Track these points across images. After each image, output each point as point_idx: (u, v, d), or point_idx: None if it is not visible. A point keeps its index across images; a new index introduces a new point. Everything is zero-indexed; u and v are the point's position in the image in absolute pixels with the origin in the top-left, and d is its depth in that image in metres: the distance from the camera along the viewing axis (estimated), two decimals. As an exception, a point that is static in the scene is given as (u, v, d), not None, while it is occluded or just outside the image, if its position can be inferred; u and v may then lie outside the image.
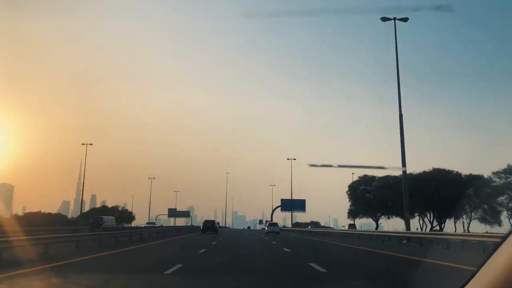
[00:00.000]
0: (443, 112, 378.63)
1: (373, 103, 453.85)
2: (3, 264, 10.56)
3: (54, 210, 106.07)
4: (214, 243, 23.26)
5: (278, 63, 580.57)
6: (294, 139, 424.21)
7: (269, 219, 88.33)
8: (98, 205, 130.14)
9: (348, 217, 66.23)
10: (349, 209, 65.12)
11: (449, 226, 53.41)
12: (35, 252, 12.66)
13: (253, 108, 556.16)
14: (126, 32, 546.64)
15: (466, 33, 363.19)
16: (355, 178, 65.94)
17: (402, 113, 29.41)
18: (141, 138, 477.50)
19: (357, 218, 66.77)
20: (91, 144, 64.24)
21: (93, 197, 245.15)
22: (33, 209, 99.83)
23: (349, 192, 65.24)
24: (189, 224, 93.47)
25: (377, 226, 62.86)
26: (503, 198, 48.53)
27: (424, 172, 53.25)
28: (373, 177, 62.76)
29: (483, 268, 1.39)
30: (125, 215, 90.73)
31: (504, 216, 48.68)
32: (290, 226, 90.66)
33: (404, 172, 29.97)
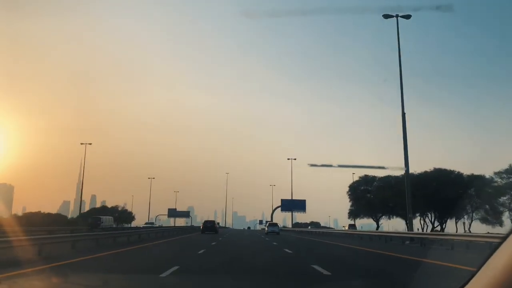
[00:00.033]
0: (444, 112, 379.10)
1: (373, 103, 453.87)
2: (2, 264, 10.39)
3: (54, 210, 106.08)
4: (213, 243, 23.04)
5: (278, 63, 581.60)
6: (294, 139, 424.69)
7: (269, 220, 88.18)
8: (98, 205, 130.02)
9: (349, 217, 66.05)
10: (349, 209, 64.93)
11: (450, 226, 53.24)
12: (30, 252, 12.50)
13: (253, 108, 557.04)
14: (126, 32, 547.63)
15: (467, 33, 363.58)
16: (356, 178, 65.81)
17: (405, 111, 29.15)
18: (141, 138, 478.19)
19: (358, 219, 66.61)
20: (90, 144, 64.24)
21: (93, 197, 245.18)
22: (33, 209, 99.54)
23: (349, 192, 65.03)
24: (189, 224, 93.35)
25: (378, 226, 62.62)
26: (504, 198, 48.22)
27: (425, 172, 52.97)
28: (373, 177, 62.54)
29: (483, 268, 1.39)
30: (125, 215, 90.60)
31: (506, 216, 48.37)
32: (290, 226, 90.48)
33: (407, 171, 29.65)
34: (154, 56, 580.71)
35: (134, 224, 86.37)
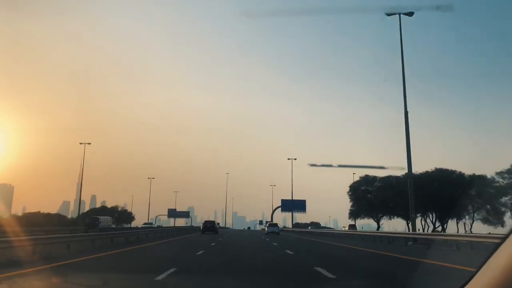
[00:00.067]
0: (444, 112, 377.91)
1: (373, 103, 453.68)
2: (2, 264, 10.29)
3: (54, 210, 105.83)
4: (213, 244, 22.77)
5: (278, 63, 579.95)
6: (294, 139, 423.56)
7: (269, 220, 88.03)
8: (98, 205, 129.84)
9: (349, 218, 65.80)
10: (350, 210, 64.68)
11: (451, 227, 52.93)
12: (29, 253, 12.44)
13: (253, 108, 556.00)
14: (126, 32, 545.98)
15: (467, 33, 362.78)
16: (356, 178, 65.62)
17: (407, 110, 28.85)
18: (141, 138, 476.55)
19: (358, 219, 66.35)
20: (89, 144, 64.07)
21: (93, 198, 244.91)
22: (33, 209, 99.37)
23: (350, 193, 64.79)
24: (189, 224, 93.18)
25: (379, 227, 62.33)
26: (506, 198, 47.95)
27: (427, 172, 52.71)
28: (374, 177, 62.29)
29: (483, 268, 1.40)
30: (124, 216, 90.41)
31: (507, 217, 48.08)
32: (290, 226, 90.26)
33: (410, 170, 29.31)
34: (154, 56, 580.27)
35: (133, 224, 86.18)
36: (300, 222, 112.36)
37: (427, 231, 50.97)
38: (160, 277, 8.20)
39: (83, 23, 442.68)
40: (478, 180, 49.23)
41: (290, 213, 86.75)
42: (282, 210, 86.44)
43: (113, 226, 65.64)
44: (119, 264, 12.23)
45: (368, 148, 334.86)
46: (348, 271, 10.74)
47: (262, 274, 9.75)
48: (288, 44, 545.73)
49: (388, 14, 29.23)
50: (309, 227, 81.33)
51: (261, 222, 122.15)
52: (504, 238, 1.35)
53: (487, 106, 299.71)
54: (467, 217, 51.88)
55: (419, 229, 51.00)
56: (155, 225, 75.55)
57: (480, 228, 49.56)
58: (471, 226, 51.30)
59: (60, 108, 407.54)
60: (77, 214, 72.72)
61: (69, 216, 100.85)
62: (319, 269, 10.03)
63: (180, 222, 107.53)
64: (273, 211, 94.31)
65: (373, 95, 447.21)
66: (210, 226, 47.69)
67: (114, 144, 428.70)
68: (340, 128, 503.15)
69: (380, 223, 62.79)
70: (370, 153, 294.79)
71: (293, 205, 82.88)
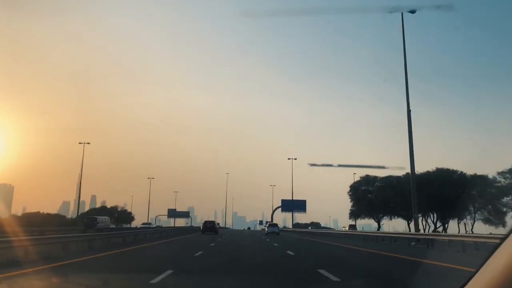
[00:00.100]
0: (444, 112, 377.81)
1: (373, 103, 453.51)
2: (2, 264, 10.20)
3: (54, 211, 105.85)
4: (212, 244, 22.59)
5: (278, 63, 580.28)
6: (294, 139, 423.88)
7: (270, 220, 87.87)
8: (98, 205, 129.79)
9: (350, 218, 65.66)
10: (350, 210, 64.53)
11: (452, 227, 52.69)
12: (27, 252, 12.39)
13: (253, 108, 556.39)
14: (126, 32, 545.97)
15: (467, 33, 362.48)
16: (357, 178, 65.45)
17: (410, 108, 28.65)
18: (141, 138, 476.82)
19: (359, 219, 66.17)
20: (88, 143, 63.75)
21: (93, 198, 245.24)
22: (33, 209, 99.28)
23: (350, 193, 64.63)
24: (189, 224, 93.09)
25: (379, 227, 62.14)
26: (508, 198, 47.80)
27: (428, 172, 52.49)
28: (375, 177, 62.14)
29: (482, 268, 1.39)
30: (124, 216, 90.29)
31: (509, 217, 47.92)
32: (290, 227, 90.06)
33: (412, 169, 29.05)
34: (154, 56, 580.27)
35: (133, 224, 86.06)
36: (300, 222, 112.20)
37: (428, 231, 50.78)
38: (160, 277, 8.14)
39: (83, 23, 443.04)
40: (479, 180, 49.04)
41: (290, 213, 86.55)
42: (282, 210, 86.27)
43: (112, 226, 65.49)
44: (118, 264, 12.10)
45: (368, 148, 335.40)
46: (352, 273, 10.44)
47: (262, 274, 9.65)
48: (288, 44, 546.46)
49: (391, 11, 29.45)
50: (309, 227, 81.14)
51: (261, 222, 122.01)
52: (503, 238, 1.35)
53: (488, 106, 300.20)
54: (468, 217, 51.67)
55: (420, 230, 50.77)
56: (154, 225, 75.39)
57: (481, 228, 49.41)
58: (472, 226, 51.13)
59: (60, 108, 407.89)
60: (76, 214, 72.51)
61: (69, 216, 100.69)
62: (322, 271, 9.72)
63: (180, 222, 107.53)
64: (273, 211, 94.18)
65: (373, 95, 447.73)
66: (210, 226, 47.58)
67: (114, 144, 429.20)
68: (340, 128, 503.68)
69: (381, 223, 62.62)
70: (370, 153, 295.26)
71: (293, 205, 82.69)
